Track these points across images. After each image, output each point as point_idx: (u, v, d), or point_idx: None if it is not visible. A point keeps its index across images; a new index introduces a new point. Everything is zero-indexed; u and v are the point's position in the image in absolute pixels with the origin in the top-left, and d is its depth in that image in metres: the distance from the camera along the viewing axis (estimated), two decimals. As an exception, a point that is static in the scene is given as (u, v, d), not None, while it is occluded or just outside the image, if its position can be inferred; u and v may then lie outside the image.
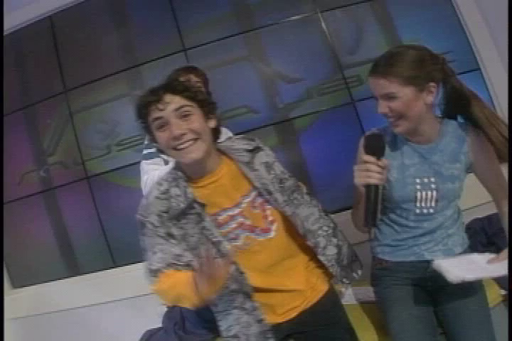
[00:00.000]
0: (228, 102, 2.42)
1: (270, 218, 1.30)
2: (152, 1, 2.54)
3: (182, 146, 1.17)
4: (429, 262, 1.36)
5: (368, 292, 1.75)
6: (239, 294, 1.26)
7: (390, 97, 1.25)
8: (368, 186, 1.18)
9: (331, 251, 1.37)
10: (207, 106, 1.24)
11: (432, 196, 1.36)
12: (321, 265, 1.38)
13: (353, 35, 2.41)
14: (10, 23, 2.66)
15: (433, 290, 1.47)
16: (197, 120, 1.19)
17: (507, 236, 1.37)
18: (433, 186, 1.36)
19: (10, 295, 2.61)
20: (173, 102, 1.17)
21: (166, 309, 2.17)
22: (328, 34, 2.41)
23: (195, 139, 1.18)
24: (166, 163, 1.83)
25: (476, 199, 2.25)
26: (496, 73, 2.40)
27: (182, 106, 1.18)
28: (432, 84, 1.26)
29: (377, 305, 1.57)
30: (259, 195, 1.29)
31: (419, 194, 1.37)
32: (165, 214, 1.22)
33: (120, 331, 2.41)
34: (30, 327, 2.64)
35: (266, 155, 1.36)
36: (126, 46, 2.60)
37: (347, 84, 2.38)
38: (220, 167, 1.28)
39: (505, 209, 1.39)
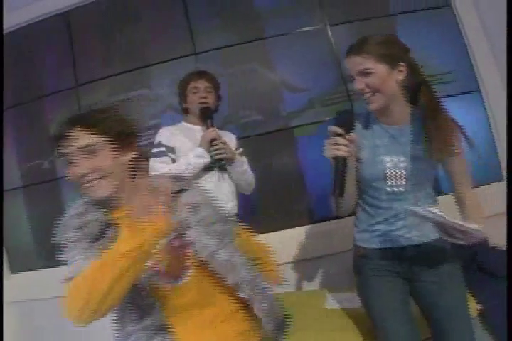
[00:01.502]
0: (232, 107, 2.51)
1: (186, 263, 1.20)
2: (166, 3, 2.63)
3: (87, 185, 1.11)
4: (404, 249, 1.46)
5: (353, 298, 1.83)
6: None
7: (365, 73, 1.36)
8: (336, 158, 1.25)
9: (264, 303, 1.25)
10: (123, 139, 1.15)
11: (401, 174, 1.43)
12: (250, 317, 1.27)
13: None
14: (26, 16, 2.77)
15: (410, 277, 1.52)
16: (104, 158, 1.12)
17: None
18: (402, 165, 1.43)
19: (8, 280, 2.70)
20: (80, 139, 1.10)
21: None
22: (335, 47, 2.49)
23: (100, 178, 1.11)
24: (173, 161, 1.96)
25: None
26: (496, 96, 2.48)
27: (88, 145, 1.10)
28: (402, 63, 1.37)
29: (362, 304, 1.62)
30: (179, 236, 1.19)
31: (388, 171, 1.43)
32: (80, 232, 1.13)
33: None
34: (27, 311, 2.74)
35: (193, 196, 1.24)
36: (138, 45, 2.68)
37: (349, 97, 2.46)
38: None
39: (466, 198, 1.48)
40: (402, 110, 1.44)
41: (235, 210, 2.06)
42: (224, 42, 2.56)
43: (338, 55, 2.48)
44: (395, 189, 1.45)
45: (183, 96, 2.12)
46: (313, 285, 2.39)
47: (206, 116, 2.02)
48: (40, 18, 2.78)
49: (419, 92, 1.43)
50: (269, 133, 2.52)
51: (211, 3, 2.61)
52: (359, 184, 1.51)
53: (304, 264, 2.42)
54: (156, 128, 2.23)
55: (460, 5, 2.52)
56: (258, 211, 2.51)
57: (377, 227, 1.52)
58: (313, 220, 2.45)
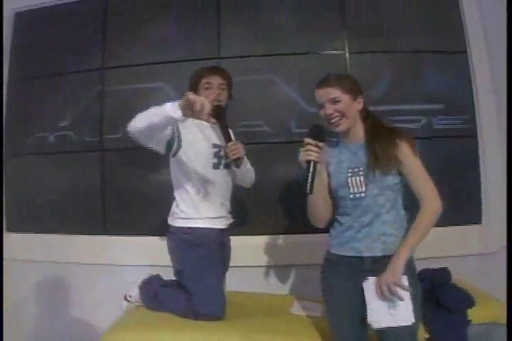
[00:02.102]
0: (245, 115, 2.65)
1: None
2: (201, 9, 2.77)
3: None
4: (364, 259, 1.66)
5: (316, 307, 2.05)
6: None
7: (335, 101, 1.68)
8: (308, 162, 1.56)
9: None
10: None
11: (360, 181, 1.69)
12: None
13: (371, 77, 2.63)
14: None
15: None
16: None
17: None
18: (361, 173, 1.69)
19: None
20: None
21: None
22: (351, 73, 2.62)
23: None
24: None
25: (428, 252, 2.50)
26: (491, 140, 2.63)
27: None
28: (360, 96, 1.73)
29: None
30: None
31: (349, 179, 1.70)
32: None
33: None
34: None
35: None
36: (164, 39, 2.81)
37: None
38: None
39: (425, 205, 1.64)
40: (359, 131, 1.75)
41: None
42: (248, 51, 2.68)
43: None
44: (357, 195, 1.69)
45: (193, 90, 2.01)
46: (282, 291, 2.55)
47: (217, 114, 1.93)
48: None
49: (368, 119, 1.76)
50: (275, 144, 2.66)
51: (243, 11, 2.73)
52: (332, 196, 1.77)
53: (280, 270, 2.58)
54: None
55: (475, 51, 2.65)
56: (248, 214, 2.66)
57: (344, 234, 1.73)
58: (296, 230, 2.56)
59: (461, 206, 2.60)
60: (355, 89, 1.71)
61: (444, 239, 2.49)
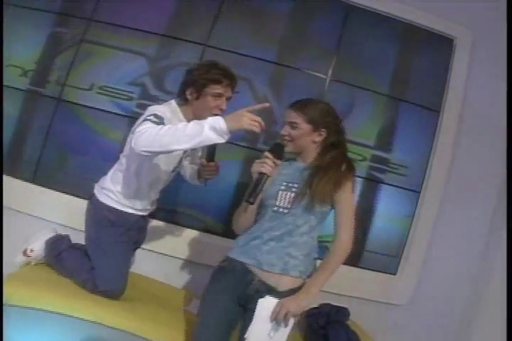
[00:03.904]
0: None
1: None
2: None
3: None
4: (252, 284, 1.68)
5: None
6: None
7: (293, 126, 1.73)
8: (260, 174, 1.59)
9: None
10: None
11: (289, 197, 1.71)
12: None
13: (343, 110, 2.60)
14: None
15: (245, 303, 1.70)
16: None
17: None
18: (293, 189, 1.72)
19: None
20: None
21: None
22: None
23: None
24: None
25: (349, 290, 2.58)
26: (430, 204, 2.70)
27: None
28: (324, 130, 1.74)
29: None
30: None
31: (280, 193, 1.72)
32: None
33: None
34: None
35: None
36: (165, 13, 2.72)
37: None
38: None
39: (337, 238, 1.70)
40: (311, 155, 1.78)
41: None
42: (236, 48, 2.65)
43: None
44: (280, 209, 1.71)
45: (197, 89, 1.85)
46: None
47: None
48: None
49: (331, 150, 1.77)
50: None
51: (245, 9, 2.70)
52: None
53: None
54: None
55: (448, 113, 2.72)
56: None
57: (250, 243, 1.73)
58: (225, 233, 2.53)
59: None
60: (319, 122, 1.73)
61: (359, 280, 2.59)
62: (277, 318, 1.58)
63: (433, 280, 2.70)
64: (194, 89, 1.86)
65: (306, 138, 1.74)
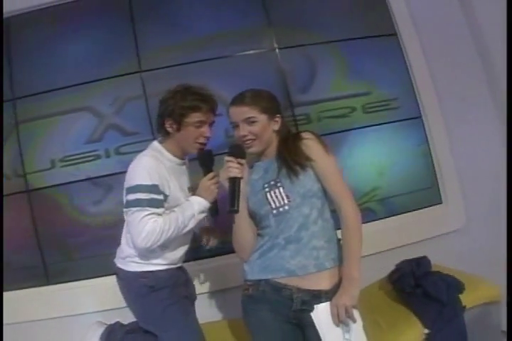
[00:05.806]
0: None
1: None
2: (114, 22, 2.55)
3: None
4: (293, 298, 1.51)
5: None
6: None
7: (250, 122, 1.57)
8: (231, 179, 1.53)
9: None
10: None
11: (280, 192, 1.56)
12: None
13: (307, 74, 2.54)
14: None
15: (299, 323, 1.55)
16: None
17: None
18: (278, 184, 1.57)
19: None
20: None
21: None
22: (283, 71, 2.53)
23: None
24: None
25: (404, 239, 2.46)
26: (435, 122, 2.61)
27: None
28: (278, 115, 1.64)
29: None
30: None
31: (268, 195, 1.58)
32: None
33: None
34: None
35: None
36: (83, 60, 2.54)
37: (296, 122, 2.50)
38: None
39: (341, 211, 1.55)
40: (272, 149, 1.65)
41: None
42: (170, 61, 2.50)
43: (286, 80, 2.52)
44: (280, 209, 1.56)
45: (175, 120, 1.69)
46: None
47: (205, 161, 1.74)
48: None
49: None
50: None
51: (158, 17, 2.55)
52: (253, 219, 1.64)
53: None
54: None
55: (404, 33, 2.63)
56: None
57: (267, 255, 1.57)
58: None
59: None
60: (272, 108, 1.62)
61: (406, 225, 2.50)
62: (341, 320, 1.45)
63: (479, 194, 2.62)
64: (173, 120, 1.69)
65: (268, 130, 1.60)
